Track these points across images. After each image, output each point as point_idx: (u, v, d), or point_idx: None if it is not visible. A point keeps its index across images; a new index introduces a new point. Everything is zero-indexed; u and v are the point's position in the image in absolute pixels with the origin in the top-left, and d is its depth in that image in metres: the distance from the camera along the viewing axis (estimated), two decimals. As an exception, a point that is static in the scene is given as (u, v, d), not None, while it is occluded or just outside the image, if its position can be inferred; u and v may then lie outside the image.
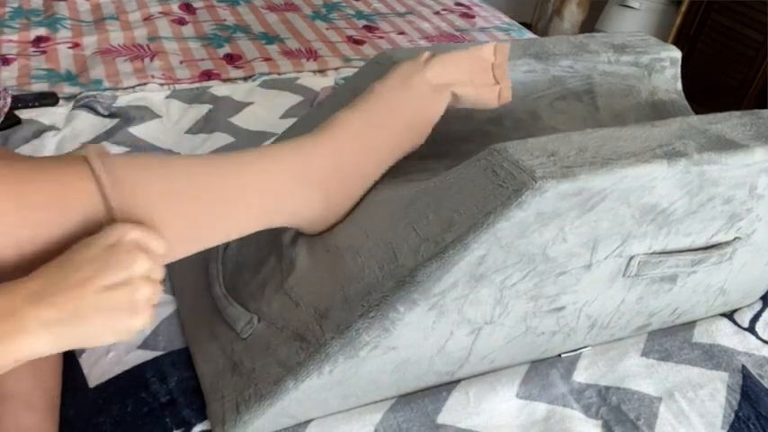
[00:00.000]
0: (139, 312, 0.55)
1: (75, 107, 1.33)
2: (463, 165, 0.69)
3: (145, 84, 1.45)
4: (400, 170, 0.81)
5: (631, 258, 0.76)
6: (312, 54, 1.70)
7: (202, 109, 1.39)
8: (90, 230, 0.56)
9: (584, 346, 0.89)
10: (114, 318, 0.54)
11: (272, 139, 1.27)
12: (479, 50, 0.84)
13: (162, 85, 1.46)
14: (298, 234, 0.80)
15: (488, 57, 0.85)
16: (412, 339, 0.71)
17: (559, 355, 0.88)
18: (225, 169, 0.67)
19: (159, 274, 0.58)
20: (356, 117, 0.77)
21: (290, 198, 0.72)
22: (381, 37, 1.86)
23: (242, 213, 0.69)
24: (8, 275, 0.53)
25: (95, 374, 0.79)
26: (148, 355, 0.81)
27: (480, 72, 0.85)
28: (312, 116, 0.95)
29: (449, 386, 0.82)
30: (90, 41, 1.65)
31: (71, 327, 0.52)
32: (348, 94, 0.91)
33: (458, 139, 0.86)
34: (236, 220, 0.69)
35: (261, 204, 0.70)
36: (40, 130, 1.25)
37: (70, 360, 0.81)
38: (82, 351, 0.82)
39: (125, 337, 0.55)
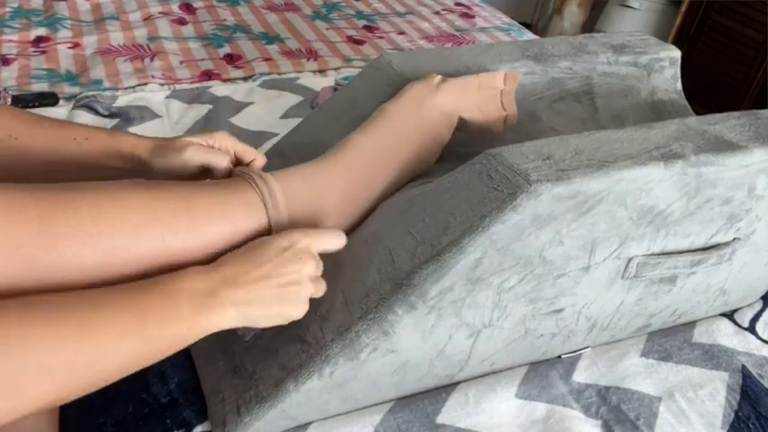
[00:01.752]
0: (301, 306, 0.66)
1: (75, 107, 1.33)
2: (458, 169, 0.70)
3: (145, 84, 1.45)
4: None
5: (630, 260, 0.76)
6: (312, 54, 1.70)
7: (202, 109, 1.39)
8: (255, 233, 0.68)
9: (584, 347, 0.89)
10: (283, 307, 0.64)
11: (273, 139, 1.28)
12: (490, 78, 0.86)
13: (162, 85, 1.46)
14: None
15: (498, 84, 0.87)
16: (411, 342, 0.71)
17: (559, 357, 0.88)
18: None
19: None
20: (367, 141, 0.79)
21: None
22: (381, 37, 1.86)
23: None
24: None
25: (96, 376, 0.79)
26: (149, 356, 0.81)
27: (488, 99, 0.87)
28: (313, 120, 0.94)
29: (448, 387, 0.82)
30: (90, 41, 1.65)
31: (251, 309, 0.62)
32: (347, 99, 0.91)
33: (456, 142, 0.86)
34: None
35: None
36: (41, 131, 1.25)
37: (71, 361, 0.81)
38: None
39: (282, 323, 0.65)
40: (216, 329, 0.61)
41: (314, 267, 0.66)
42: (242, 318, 0.62)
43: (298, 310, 0.66)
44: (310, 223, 0.74)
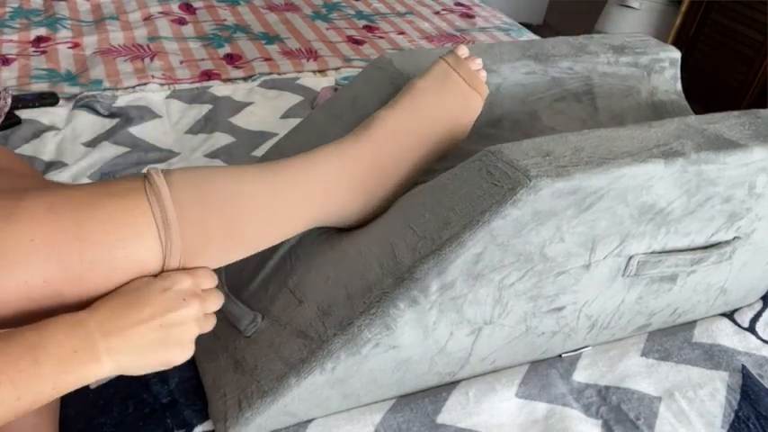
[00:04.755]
0: (186, 349, 0.61)
1: (75, 107, 1.33)
2: (459, 166, 0.70)
3: (145, 84, 1.46)
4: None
5: (630, 258, 0.76)
6: (312, 54, 1.70)
7: (202, 109, 1.39)
8: (146, 271, 0.61)
9: (585, 346, 0.89)
10: (167, 352, 0.60)
11: (273, 139, 1.28)
12: (457, 50, 0.85)
13: (162, 85, 1.46)
14: (302, 233, 0.80)
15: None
16: (413, 338, 0.71)
17: (560, 356, 0.88)
18: (270, 178, 0.69)
19: (213, 306, 0.65)
20: (396, 117, 0.78)
21: (331, 200, 0.73)
22: (381, 37, 1.86)
23: (287, 220, 0.70)
24: (66, 310, 0.57)
25: (96, 376, 0.79)
26: (149, 356, 0.81)
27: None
28: (314, 119, 0.94)
29: (448, 386, 0.82)
30: (90, 41, 1.65)
31: (131, 357, 0.57)
32: (349, 98, 0.91)
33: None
34: (281, 227, 0.70)
35: (305, 209, 0.71)
36: (40, 130, 1.26)
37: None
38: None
39: (167, 367, 0.61)
40: (88, 382, 0.56)
41: (198, 307, 0.61)
42: (120, 368, 0.57)
43: (183, 354, 0.61)
44: (334, 203, 0.73)
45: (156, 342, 0.58)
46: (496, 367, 0.84)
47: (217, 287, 0.66)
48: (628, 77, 1.01)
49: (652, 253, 0.77)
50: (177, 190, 0.61)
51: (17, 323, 0.55)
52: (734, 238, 0.83)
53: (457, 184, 0.68)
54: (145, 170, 0.65)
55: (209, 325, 0.64)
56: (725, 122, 0.78)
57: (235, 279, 0.82)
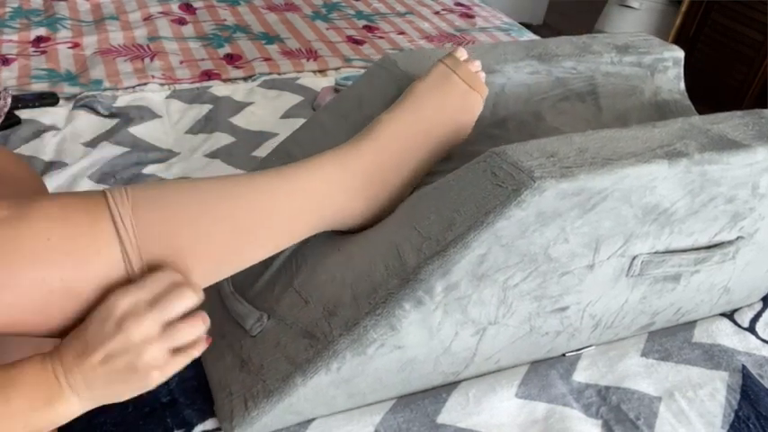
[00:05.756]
0: (147, 373, 0.59)
1: (75, 107, 1.33)
2: (463, 167, 0.70)
3: (145, 84, 1.45)
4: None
5: (634, 258, 0.76)
6: (312, 54, 1.70)
7: (202, 109, 1.39)
8: (117, 282, 0.60)
9: (588, 346, 0.89)
10: (124, 382, 0.59)
11: (273, 139, 1.28)
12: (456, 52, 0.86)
13: (162, 85, 1.46)
14: None
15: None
16: (418, 338, 0.71)
17: (563, 355, 0.88)
18: (262, 186, 0.69)
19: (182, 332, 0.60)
20: (397, 120, 0.79)
21: (333, 203, 0.73)
22: (381, 37, 1.86)
23: (279, 231, 0.70)
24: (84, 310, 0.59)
25: (97, 375, 0.79)
26: (150, 355, 0.81)
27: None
28: (320, 119, 0.94)
29: (449, 386, 0.82)
30: (90, 41, 1.65)
31: (97, 390, 0.58)
32: (354, 98, 0.91)
33: (463, 142, 0.86)
34: (273, 239, 0.70)
35: (306, 214, 0.71)
36: (40, 130, 1.25)
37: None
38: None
39: (143, 391, 0.60)
40: (61, 421, 0.59)
41: (142, 329, 0.58)
42: (94, 402, 0.59)
43: (147, 380, 0.59)
44: (335, 210, 0.73)
45: (108, 377, 0.58)
46: (501, 367, 0.84)
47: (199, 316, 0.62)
48: (631, 77, 1.01)
49: (656, 253, 0.77)
50: (139, 207, 0.61)
51: (36, 324, 0.58)
52: (737, 237, 0.83)
53: (461, 186, 0.68)
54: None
55: (179, 335, 0.60)
56: (728, 123, 0.78)
57: (240, 278, 0.82)
